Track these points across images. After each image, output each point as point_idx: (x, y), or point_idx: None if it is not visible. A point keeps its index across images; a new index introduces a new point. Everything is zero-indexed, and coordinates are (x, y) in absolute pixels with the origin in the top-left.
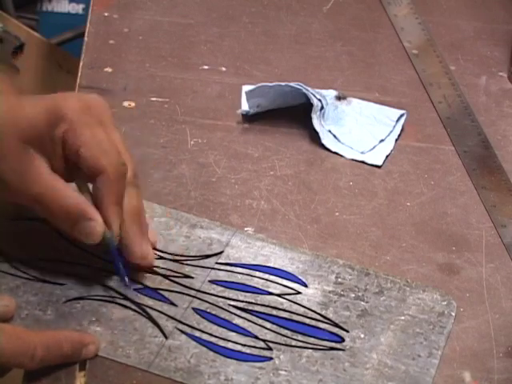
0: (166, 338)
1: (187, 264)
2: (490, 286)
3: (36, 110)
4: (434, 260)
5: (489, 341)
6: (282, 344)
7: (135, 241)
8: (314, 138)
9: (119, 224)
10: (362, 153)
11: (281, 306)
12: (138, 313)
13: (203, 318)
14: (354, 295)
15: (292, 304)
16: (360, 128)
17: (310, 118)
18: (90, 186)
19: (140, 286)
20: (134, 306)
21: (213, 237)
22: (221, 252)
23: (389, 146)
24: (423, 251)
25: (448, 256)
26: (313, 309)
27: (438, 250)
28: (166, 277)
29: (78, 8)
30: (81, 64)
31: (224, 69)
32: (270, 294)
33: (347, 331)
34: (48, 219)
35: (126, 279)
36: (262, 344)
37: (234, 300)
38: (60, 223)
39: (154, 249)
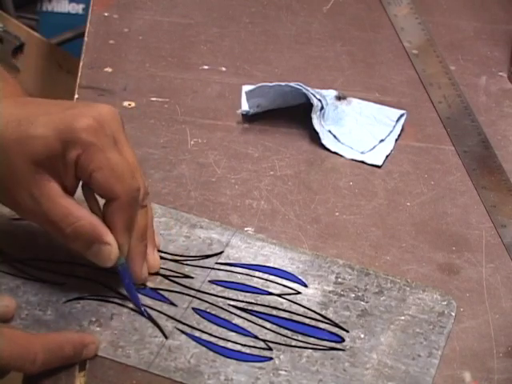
0: (165, 337)
1: (187, 264)
2: (490, 285)
3: (47, 130)
4: (434, 260)
5: (489, 341)
6: (282, 344)
7: (135, 261)
8: (314, 138)
9: (127, 249)
10: (362, 153)
11: (281, 306)
12: (138, 313)
13: (203, 317)
14: (353, 295)
15: (292, 304)
16: (360, 128)
17: (310, 118)
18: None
19: (140, 286)
20: (134, 306)
21: (213, 237)
22: (221, 252)
23: (389, 145)
24: (423, 251)
25: (448, 256)
26: (313, 309)
27: (438, 250)
28: (165, 277)
29: (78, 8)
30: (81, 64)
31: (224, 69)
32: (270, 293)
33: (347, 331)
34: (62, 240)
35: (138, 302)
36: (261, 344)
37: (233, 300)
38: (74, 245)
39: None
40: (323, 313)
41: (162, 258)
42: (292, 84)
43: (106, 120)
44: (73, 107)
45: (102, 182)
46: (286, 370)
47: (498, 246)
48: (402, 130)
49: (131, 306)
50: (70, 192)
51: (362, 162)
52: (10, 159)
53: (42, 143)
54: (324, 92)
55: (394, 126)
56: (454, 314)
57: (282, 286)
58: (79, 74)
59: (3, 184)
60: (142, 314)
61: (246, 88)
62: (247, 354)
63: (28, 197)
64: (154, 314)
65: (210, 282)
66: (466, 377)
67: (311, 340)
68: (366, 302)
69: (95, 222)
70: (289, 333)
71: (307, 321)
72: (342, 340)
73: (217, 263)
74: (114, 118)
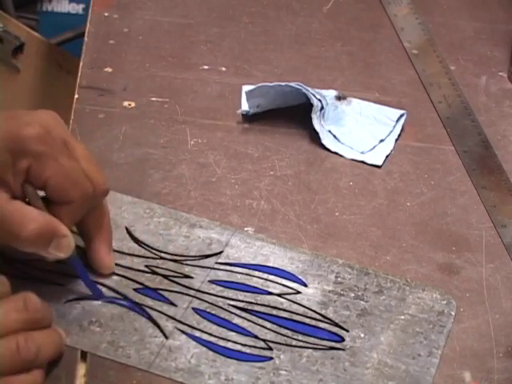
0: (166, 338)
1: (187, 264)
2: (490, 286)
3: (1, 139)
4: (434, 260)
5: (489, 341)
6: (282, 344)
7: (100, 254)
8: (314, 138)
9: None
10: (362, 153)
11: (281, 306)
12: (138, 313)
13: (203, 317)
14: (353, 295)
15: (292, 304)
16: (360, 128)
17: (310, 118)
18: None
19: (139, 286)
20: (134, 306)
21: (212, 237)
22: (220, 252)
23: (389, 145)
24: (423, 251)
25: (448, 256)
26: (313, 308)
27: (438, 249)
28: (165, 277)
29: (78, 8)
30: (81, 64)
31: (224, 69)
32: (270, 293)
33: (347, 331)
34: (20, 246)
35: (93, 289)
36: (262, 344)
37: (233, 300)
38: (33, 246)
39: (153, 249)
40: (323, 312)
41: (161, 258)
42: (292, 84)
43: (51, 125)
44: (16, 117)
45: (57, 188)
46: (286, 370)
47: (498, 246)
48: (401, 130)
49: (131, 305)
50: (18, 197)
51: (362, 162)
52: None
53: None
54: (324, 92)
55: (394, 126)
56: (453, 313)
57: (281, 286)
58: (79, 74)
59: None
60: (97, 298)
61: (245, 88)
62: (247, 353)
63: None
64: (154, 314)
65: (209, 281)
66: (466, 377)
67: (311, 340)
68: (366, 302)
69: (48, 219)
70: (289, 332)
71: (307, 320)
72: (342, 339)
73: (216, 263)
74: (57, 122)
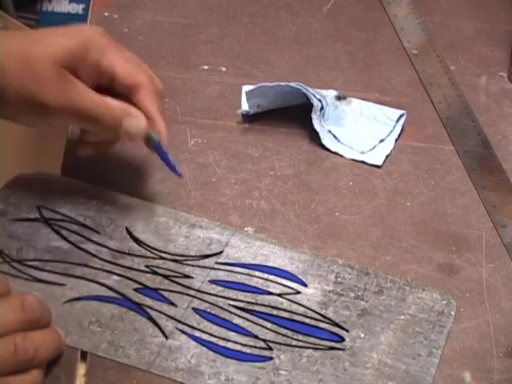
0: (166, 338)
1: (187, 264)
2: (489, 286)
3: (65, 37)
4: (434, 260)
5: (489, 341)
6: (282, 344)
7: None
8: (314, 137)
9: (165, 126)
10: (362, 153)
11: (281, 306)
12: (138, 313)
13: (203, 317)
14: (353, 295)
15: (292, 304)
16: (360, 128)
17: (310, 118)
18: None
19: (139, 286)
20: (134, 306)
21: (212, 237)
22: (220, 252)
23: (389, 145)
24: (423, 251)
25: (448, 256)
26: (313, 308)
27: (438, 249)
28: (165, 277)
29: (78, 8)
30: None
31: (224, 69)
32: (270, 293)
33: (347, 331)
34: (94, 130)
35: (177, 168)
36: (262, 344)
37: (233, 300)
38: (106, 128)
39: (153, 248)
40: (323, 312)
41: (161, 258)
42: (292, 84)
43: (104, 32)
44: (74, 27)
45: (127, 74)
46: (286, 370)
47: (498, 246)
48: (402, 130)
49: (131, 306)
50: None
51: (362, 162)
52: (35, 67)
53: (63, 48)
54: (324, 92)
55: (394, 126)
56: (453, 313)
57: (281, 286)
58: None
59: (30, 96)
60: (178, 174)
61: (246, 88)
62: (247, 353)
63: (57, 94)
64: (154, 314)
65: (209, 281)
66: (466, 377)
67: (311, 340)
68: (366, 302)
69: (121, 103)
70: (289, 332)
71: (307, 320)
72: (342, 339)
73: (216, 263)
74: (106, 33)
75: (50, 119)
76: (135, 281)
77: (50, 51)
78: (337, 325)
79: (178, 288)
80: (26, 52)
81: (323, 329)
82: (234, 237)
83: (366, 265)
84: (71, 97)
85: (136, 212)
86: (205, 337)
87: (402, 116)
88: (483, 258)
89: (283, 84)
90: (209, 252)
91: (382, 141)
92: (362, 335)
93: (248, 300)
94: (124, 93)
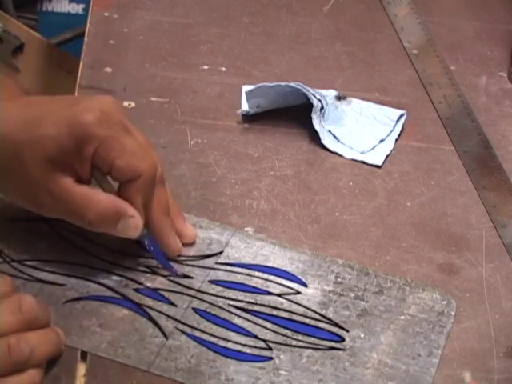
0: (166, 338)
1: (187, 264)
2: (489, 286)
3: (58, 129)
4: (434, 260)
5: (489, 341)
6: (282, 344)
7: (167, 234)
8: (314, 137)
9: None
10: (362, 153)
11: (281, 306)
12: (138, 313)
13: (203, 317)
14: (353, 295)
15: (292, 304)
16: (360, 128)
17: (310, 118)
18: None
19: (139, 287)
20: (134, 306)
21: (212, 237)
22: (220, 252)
23: (389, 145)
24: (423, 251)
25: (448, 256)
26: (313, 308)
27: (438, 249)
28: (165, 277)
29: (78, 8)
30: (81, 64)
31: (224, 69)
32: (270, 293)
33: (347, 331)
34: (88, 227)
35: (166, 265)
36: (262, 344)
37: (233, 300)
38: (101, 227)
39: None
40: (323, 312)
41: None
42: (292, 84)
43: (111, 110)
44: (76, 103)
45: (125, 166)
46: (286, 370)
47: (498, 246)
48: (401, 130)
49: (131, 306)
50: (85, 182)
51: (362, 162)
52: (24, 161)
53: (53, 142)
54: (324, 92)
55: (394, 126)
56: (453, 313)
57: (281, 286)
58: (79, 74)
59: (21, 188)
60: (175, 274)
61: (246, 88)
62: (247, 353)
63: (46, 194)
64: (154, 314)
65: (209, 281)
66: (466, 377)
67: (311, 340)
68: (366, 302)
69: (115, 200)
70: (289, 332)
71: (307, 320)
72: (342, 339)
73: (216, 263)
74: (116, 107)
75: (43, 213)
76: (135, 281)
77: (40, 145)
78: (337, 325)
79: (178, 288)
80: (18, 140)
81: (323, 329)
82: (234, 237)
83: (366, 265)
84: (58, 197)
85: None
86: (205, 337)
87: (402, 116)
88: (483, 258)
89: (283, 84)
90: (209, 252)
91: (382, 141)
92: (362, 335)
93: (248, 300)
94: (121, 182)
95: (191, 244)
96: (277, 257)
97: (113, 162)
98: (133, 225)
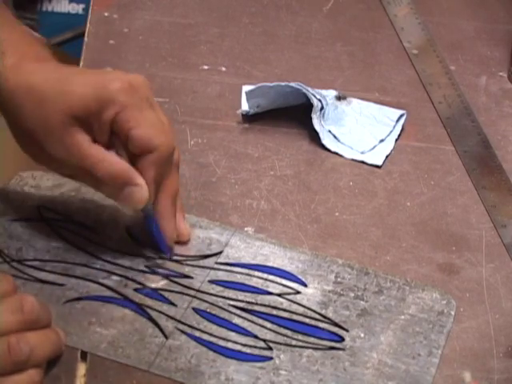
0: (166, 338)
1: (187, 264)
2: (489, 286)
3: (85, 88)
4: (434, 260)
5: (489, 341)
6: (282, 344)
7: (168, 220)
8: (314, 137)
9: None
10: (362, 153)
11: (280, 306)
12: (138, 313)
13: (203, 317)
14: (353, 294)
15: (292, 304)
16: (360, 128)
17: (310, 118)
18: None
19: (139, 287)
20: (134, 306)
21: (212, 237)
22: (220, 252)
23: (389, 145)
24: (423, 251)
25: (448, 256)
26: (312, 308)
27: (438, 249)
28: (165, 277)
29: (78, 8)
30: (81, 64)
31: (224, 69)
32: (270, 293)
33: (347, 330)
34: (94, 188)
35: (169, 251)
36: (262, 344)
37: (233, 300)
38: (106, 190)
39: (153, 249)
40: (323, 312)
41: (161, 258)
42: (292, 84)
43: (140, 85)
44: (107, 73)
45: (141, 137)
46: (286, 370)
47: (498, 246)
48: (401, 130)
49: (131, 306)
50: (101, 144)
51: (362, 162)
52: (47, 112)
53: (79, 99)
54: (324, 92)
55: (394, 126)
56: (453, 312)
57: (281, 286)
58: None
59: (37, 138)
60: (166, 253)
61: (246, 88)
62: (247, 353)
63: (61, 146)
64: (154, 314)
65: (209, 281)
66: (466, 377)
67: (311, 339)
68: (366, 302)
69: (126, 166)
70: (289, 332)
71: (307, 320)
72: (342, 339)
73: (216, 263)
74: (146, 85)
75: (50, 166)
76: (135, 281)
77: (66, 100)
78: (337, 325)
79: (178, 288)
80: (45, 92)
81: (323, 329)
82: (234, 237)
83: (365, 265)
84: (72, 150)
85: (136, 212)
86: (205, 337)
87: (402, 116)
88: (483, 258)
89: (283, 84)
90: (209, 252)
91: (382, 141)
92: (362, 335)
93: (248, 300)
94: (136, 153)
95: (186, 243)
96: (277, 257)
97: (129, 130)
98: (139, 194)
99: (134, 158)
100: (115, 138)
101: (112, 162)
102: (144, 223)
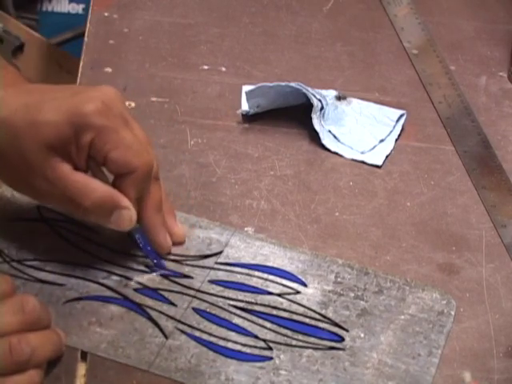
0: (166, 338)
1: (187, 264)
2: (489, 286)
3: (58, 116)
4: (434, 260)
5: (489, 341)
6: (282, 344)
7: (157, 231)
8: (314, 137)
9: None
10: (362, 153)
11: (280, 306)
12: (138, 313)
13: (203, 317)
14: (353, 294)
15: (292, 303)
16: (360, 128)
17: (310, 118)
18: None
19: (139, 287)
20: (134, 306)
21: (212, 237)
22: (220, 252)
23: (389, 145)
24: (423, 251)
25: (448, 256)
26: (312, 308)
27: (438, 249)
28: (165, 277)
29: (78, 8)
30: (81, 64)
31: (224, 69)
32: (270, 293)
33: (347, 330)
34: (82, 216)
35: (156, 261)
36: (262, 344)
37: (233, 300)
38: (95, 216)
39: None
40: (323, 312)
41: (161, 258)
42: (292, 84)
43: (113, 101)
44: (78, 92)
45: (119, 159)
46: (286, 370)
47: (498, 246)
48: (402, 130)
49: (131, 306)
50: (81, 170)
51: (362, 161)
52: (22, 146)
53: (53, 128)
54: (324, 92)
55: (394, 126)
56: (453, 312)
57: (281, 286)
58: (79, 74)
59: (18, 173)
60: (159, 266)
61: (246, 88)
62: (247, 353)
63: (43, 180)
64: (154, 314)
65: (209, 281)
66: (466, 377)
67: (311, 339)
68: (366, 302)
69: (110, 190)
70: (289, 332)
71: (307, 320)
72: (342, 339)
73: (216, 263)
74: (118, 99)
75: (39, 200)
76: (135, 281)
77: (40, 131)
78: (337, 325)
79: (178, 288)
80: (18, 125)
81: (323, 329)
82: (234, 237)
83: (365, 265)
84: (55, 182)
85: None
86: (205, 337)
87: (402, 116)
88: (483, 258)
89: (283, 84)
90: (209, 252)
91: (382, 141)
92: (362, 335)
93: (248, 300)
94: (115, 175)
95: (183, 243)
96: (277, 257)
97: (107, 153)
98: (127, 216)
99: (114, 177)
100: (91, 160)
101: (96, 188)
102: (132, 240)
